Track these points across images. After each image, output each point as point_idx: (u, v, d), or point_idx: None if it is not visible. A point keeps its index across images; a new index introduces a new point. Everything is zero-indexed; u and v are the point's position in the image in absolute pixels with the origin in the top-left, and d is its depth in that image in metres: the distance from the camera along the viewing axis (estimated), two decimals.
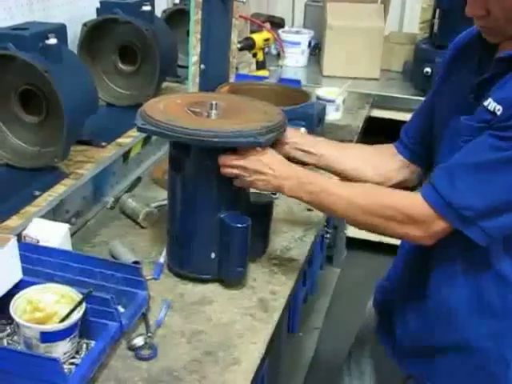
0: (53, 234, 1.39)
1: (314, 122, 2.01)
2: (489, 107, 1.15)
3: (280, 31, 3.35)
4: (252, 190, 1.44)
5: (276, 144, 1.42)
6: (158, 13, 2.45)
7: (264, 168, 1.32)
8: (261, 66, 2.87)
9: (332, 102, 2.45)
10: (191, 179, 1.38)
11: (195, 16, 1.98)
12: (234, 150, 1.32)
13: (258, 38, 2.78)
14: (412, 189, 1.43)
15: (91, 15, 2.03)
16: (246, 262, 1.41)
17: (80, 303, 1.16)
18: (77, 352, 1.18)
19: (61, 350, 1.13)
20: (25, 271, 1.23)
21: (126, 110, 2.08)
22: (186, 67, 2.11)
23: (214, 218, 1.36)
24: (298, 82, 2.64)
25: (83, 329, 1.18)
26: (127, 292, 1.28)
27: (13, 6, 1.80)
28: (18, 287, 1.20)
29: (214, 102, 1.40)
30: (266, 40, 2.82)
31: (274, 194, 1.84)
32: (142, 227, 1.67)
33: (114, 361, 1.19)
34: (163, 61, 2.06)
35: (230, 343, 1.26)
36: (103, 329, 1.18)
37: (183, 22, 2.40)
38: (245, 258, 1.41)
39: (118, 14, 2.00)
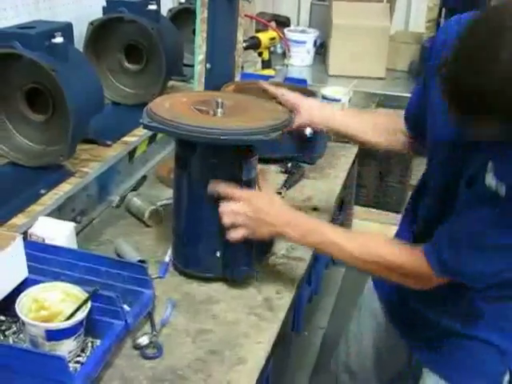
0: (58, 233, 1.40)
1: None
2: (490, 186, 1.10)
3: (286, 30, 3.35)
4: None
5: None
6: (164, 12, 2.44)
7: (266, 216, 1.33)
8: (266, 65, 2.87)
9: (338, 101, 2.44)
10: (197, 177, 1.38)
11: (201, 15, 1.98)
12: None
13: (264, 37, 2.77)
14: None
15: (97, 14, 2.03)
16: (251, 261, 1.41)
17: (85, 302, 1.16)
18: (82, 350, 1.18)
19: (66, 348, 1.13)
20: (30, 269, 1.23)
21: (132, 108, 2.08)
22: (192, 66, 2.10)
23: (219, 217, 1.36)
24: (303, 81, 2.63)
25: (89, 327, 1.18)
26: (133, 291, 1.28)
27: (19, 5, 1.81)
28: (23, 285, 1.20)
29: (219, 101, 1.40)
30: (272, 39, 2.82)
31: (280, 193, 1.84)
32: (148, 226, 1.67)
33: (119, 359, 1.19)
34: (169, 60, 2.06)
35: (235, 342, 1.26)
36: (109, 327, 1.18)
37: (189, 21, 2.40)
38: (250, 256, 1.40)
39: (124, 13, 2.00)
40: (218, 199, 1.34)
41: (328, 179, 2.04)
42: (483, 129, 1.01)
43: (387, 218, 3.28)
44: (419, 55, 3.13)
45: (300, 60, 3.36)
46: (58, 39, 1.54)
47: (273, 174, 2.02)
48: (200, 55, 2.03)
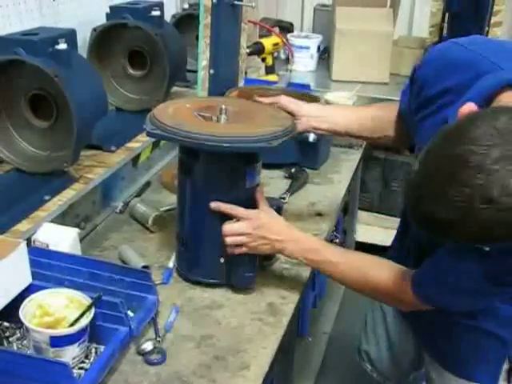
0: (62, 239, 1.40)
1: None
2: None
3: (289, 36, 3.35)
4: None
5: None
6: (168, 17, 2.45)
7: (267, 233, 1.36)
8: (270, 70, 2.87)
9: (341, 105, 2.44)
10: (200, 184, 1.38)
11: (204, 21, 1.98)
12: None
13: (267, 42, 2.78)
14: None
15: (101, 20, 2.03)
16: (255, 267, 1.41)
17: (89, 308, 1.16)
18: (86, 357, 1.18)
19: (70, 354, 1.13)
20: (34, 276, 1.23)
21: (136, 114, 2.09)
22: (195, 72, 2.11)
23: (224, 223, 1.36)
24: (307, 86, 2.64)
25: (92, 333, 1.18)
26: (136, 297, 1.28)
27: (23, 11, 1.81)
28: (27, 291, 1.20)
29: (223, 107, 1.40)
30: (275, 44, 2.82)
31: (283, 198, 1.84)
32: (151, 232, 1.68)
33: (123, 365, 1.19)
34: (172, 65, 2.06)
35: (239, 348, 1.25)
36: (112, 333, 1.18)
37: (192, 27, 2.40)
38: (254, 262, 1.40)
39: (128, 19, 2.00)
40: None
41: (332, 184, 2.04)
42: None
43: (391, 223, 3.27)
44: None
45: (303, 65, 3.36)
46: (62, 45, 1.54)
47: (276, 180, 2.02)
48: (203, 61, 2.03)
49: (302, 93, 2.21)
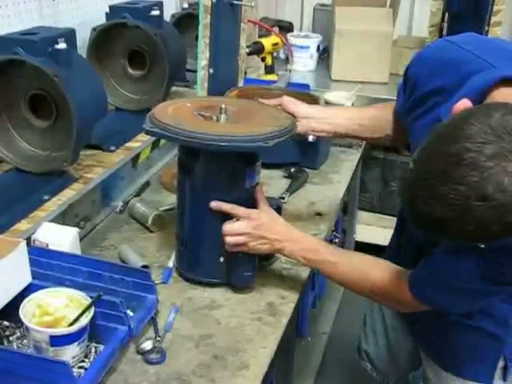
0: (62, 238, 1.40)
1: None
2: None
3: (288, 35, 3.35)
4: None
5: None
6: (167, 17, 2.45)
7: (267, 233, 1.36)
8: (269, 70, 2.87)
9: (341, 105, 2.44)
10: (200, 183, 1.38)
11: (204, 20, 1.98)
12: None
13: (267, 42, 2.78)
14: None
15: (100, 20, 2.03)
16: (254, 267, 1.41)
17: (89, 307, 1.16)
18: (86, 356, 1.18)
19: (70, 353, 1.13)
20: (34, 275, 1.23)
21: (135, 114, 2.09)
22: (195, 71, 2.11)
23: (223, 222, 1.36)
24: (307, 86, 2.64)
25: (92, 333, 1.18)
26: (136, 296, 1.28)
27: (22, 11, 1.81)
28: (27, 291, 1.20)
29: (223, 106, 1.40)
30: (275, 44, 2.82)
31: (283, 198, 1.84)
32: (151, 231, 1.68)
33: (122, 365, 1.19)
34: (172, 65, 2.06)
35: (238, 347, 1.26)
36: (112, 333, 1.18)
37: (192, 27, 2.40)
38: (253, 262, 1.40)
39: (127, 19, 2.00)
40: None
41: (331, 184, 2.04)
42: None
43: (390, 223, 3.26)
44: None
45: (303, 65, 3.36)
46: (61, 45, 1.54)
47: (276, 179, 2.02)
48: (203, 60, 2.03)
49: (302, 92, 2.21)
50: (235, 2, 2.05)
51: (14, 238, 1.29)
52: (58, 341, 1.11)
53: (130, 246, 1.57)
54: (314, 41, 3.37)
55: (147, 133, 1.35)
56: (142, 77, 2.14)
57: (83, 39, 1.98)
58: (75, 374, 1.12)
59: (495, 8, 2.93)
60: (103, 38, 2.02)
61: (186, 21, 2.54)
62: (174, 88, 2.30)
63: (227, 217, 1.36)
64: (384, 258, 1.60)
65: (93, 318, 1.16)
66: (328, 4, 3.62)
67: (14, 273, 1.18)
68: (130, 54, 2.12)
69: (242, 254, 1.37)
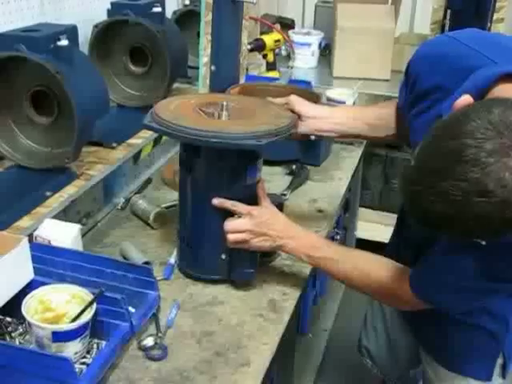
0: (64, 235, 1.40)
1: None
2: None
3: (290, 32, 3.35)
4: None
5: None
6: (169, 14, 2.45)
7: (269, 230, 1.36)
8: (271, 67, 2.87)
9: (343, 103, 2.44)
10: (201, 180, 1.38)
11: (205, 17, 1.98)
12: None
13: (268, 39, 2.77)
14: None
15: (102, 16, 2.03)
16: (256, 264, 1.42)
17: (91, 303, 1.16)
18: (88, 352, 1.18)
19: (72, 349, 1.13)
20: (36, 271, 1.24)
21: (137, 111, 2.08)
22: (197, 68, 2.11)
23: (225, 219, 1.36)
24: (308, 83, 2.64)
25: (94, 329, 1.18)
26: (138, 292, 1.28)
27: (24, 8, 1.81)
28: (29, 287, 1.20)
29: (224, 103, 1.40)
30: (277, 41, 2.82)
31: (284, 195, 1.85)
32: (153, 228, 1.68)
33: (124, 361, 1.20)
34: (173, 62, 2.06)
35: (240, 344, 1.26)
36: (114, 329, 1.18)
37: (193, 24, 2.40)
38: (255, 259, 1.41)
39: (129, 16, 2.00)
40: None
41: (333, 181, 2.04)
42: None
43: (392, 220, 3.26)
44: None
45: (305, 62, 3.36)
46: (63, 42, 1.54)
47: (277, 176, 2.02)
48: (204, 57, 2.04)
49: (303, 89, 2.21)
50: None
51: (16, 234, 1.30)
52: (60, 337, 1.11)
53: (132, 242, 1.57)
54: (315, 38, 3.36)
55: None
56: (143, 73, 2.15)
57: (85, 36, 1.98)
58: (77, 369, 1.12)
59: (498, 5, 2.92)
60: (105, 34, 2.02)
61: (188, 18, 2.54)
62: (175, 85, 2.30)
63: (229, 213, 1.36)
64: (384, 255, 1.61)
65: (95, 315, 1.16)
66: (330, 1, 3.61)
67: (17, 269, 1.18)
68: (131, 51, 2.12)
69: (244, 250, 1.38)
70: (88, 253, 1.41)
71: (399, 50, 3.22)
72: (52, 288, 1.21)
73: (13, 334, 1.22)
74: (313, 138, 1.62)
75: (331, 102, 2.40)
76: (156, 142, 2.00)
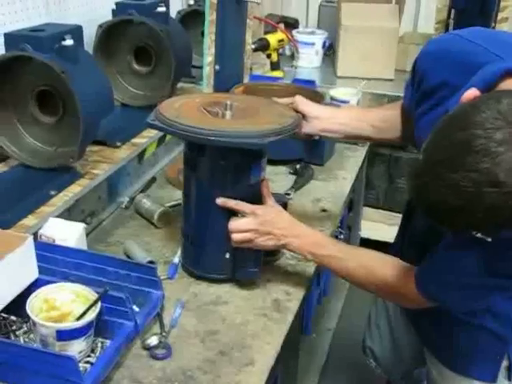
0: (68, 234, 1.40)
1: None
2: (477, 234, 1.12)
3: (294, 32, 3.35)
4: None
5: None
6: (173, 14, 2.45)
7: (273, 228, 1.36)
8: (275, 66, 2.88)
9: (346, 102, 2.44)
10: (205, 179, 1.38)
11: (210, 17, 1.98)
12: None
13: (272, 38, 2.78)
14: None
15: (107, 16, 2.04)
16: (260, 263, 1.42)
17: (95, 302, 1.16)
18: (92, 351, 1.18)
19: (76, 348, 1.13)
20: (41, 270, 1.24)
21: (141, 110, 2.09)
22: (201, 68, 2.11)
23: (230, 218, 1.37)
24: (312, 82, 2.64)
25: (98, 328, 1.18)
26: (142, 291, 1.29)
27: (30, 8, 1.82)
28: (34, 286, 1.21)
29: (228, 103, 1.41)
30: (280, 41, 2.82)
31: (288, 194, 1.85)
32: (157, 227, 1.68)
33: (128, 360, 1.20)
34: (178, 61, 2.06)
35: (244, 343, 1.26)
36: (118, 328, 1.19)
37: (197, 23, 2.41)
38: (259, 258, 1.41)
39: (133, 15, 2.01)
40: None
41: (337, 180, 2.04)
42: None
43: (396, 220, 3.26)
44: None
45: (308, 61, 3.36)
46: (68, 42, 1.54)
47: (282, 176, 2.03)
48: (209, 57, 2.03)
49: (307, 89, 2.21)
50: None
51: (20, 233, 1.30)
52: (64, 335, 1.11)
53: (136, 241, 1.58)
54: (319, 37, 3.36)
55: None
56: (147, 73, 2.15)
57: (90, 36, 1.98)
58: (81, 368, 1.12)
59: (502, 4, 2.91)
60: (109, 34, 2.02)
61: (192, 17, 2.55)
62: (179, 84, 2.30)
63: (233, 213, 1.36)
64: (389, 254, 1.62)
65: (99, 314, 1.16)
66: (334, 0, 3.61)
67: (21, 268, 1.19)
68: (136, 51, 2.12)
69: (248, 250, 1.38)
70: (92, 252, 1.41)
71: (403, 49, 3.22)
72: (56, 287, 1.21)
73: (17, 333, 1.22)
74: (317, 137, 1.62)
75: (335, 101, 2.40)
76: (160, 141, 2.00)
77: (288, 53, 3.49)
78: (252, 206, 1.36)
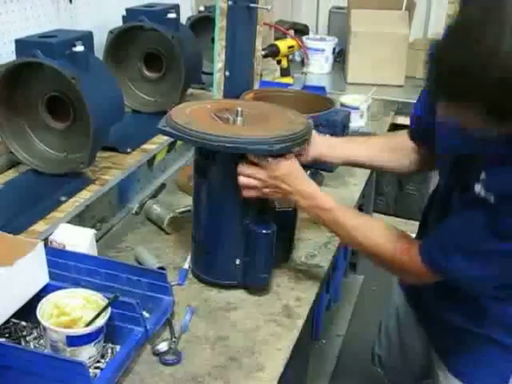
0: (79, 239, 1.41)
1: (339, 129, 2.01)
2: (480, 194, 1.12)
3: (304, 38, 3.36)
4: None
5: (302, 153, 1.46)
6: (183, 20, 2.46)
7: (282, 183, 1.33)
8: (285, 73, 2.88)
9: (356, 109, 2.44)
10: (216, 185, 1.38)
11: (220, 23, 1.99)
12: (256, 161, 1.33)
13: (283, 45, 2.78)
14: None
15: (117, 23, 2.05)
16: (270, 269, 1.42)
17: (106, 308, 1.16)
18: (102, 356, 1.18)
19: (86, 353, 1.13)
20: (51, 276, 1.24)
21: (151, 116, 2.10)
22: (211, 74, 2.12)
23: (239, 224, 1.37)
24: (322, 88, 2.64)
25: (109, 333, 1.18)
26: (152, 297, 1.29)
27: (41, 15, 1.83)
28: (44, 291, 1.21)
29: (239, 109, 1.40)
30: (291, 47, 2.83)
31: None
32: (167, 233, 1.68)
33: (138, 366, 1.20)
34: (188, 68, 2.07)
35: (254, 349, 1.26)
36: (128, 334, 1.19)
37: (208, 29, 2.42)
38: (270, 264, 1.41)
39: (144, 22, 2.02)
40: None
41: (347, 187, 2.03)
42: (468, 118, 0.99)
43: (406, 226, 3.26)
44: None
45: (319, 68, 3.37)
46: (79, 48, 1.55)
47: None
48: (219, 63, 2.04)
49: (317, 95, 2.21)
50: (251, 5, 2.05)
51: (31, 238, 1.30)
52: (74, 341, 1.12)
53: (146, 247, 1.58)
54: (329, 43, 3.37)
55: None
56: (158, 79, 2.16)
57: (100, 42, 2.00)
58: (91, 374, 1.12)
59: None
60: (120, 40, 2.03)
61: (202, 24, 2.56)
62: (189, 90, 2.31)
63: (243, 218, 1.36)
64: None
65: (109, 319, 1.16)
66: (344, 6, 3.62)
67: (32, 273, 1.19)
68: (146, 57, 2.13)
69: (259, 256, 1.37)
70: (102, 257, 1.42)
71: (413, 55, 3.22)
72: (67, 292, 1.21)
73: (27, 338, 1.23)
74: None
75: (345, 107, 2.40)
76: (170, 147, 2.01)
77: (298, 59, 3.50)
78: (266, 160, 1.33)
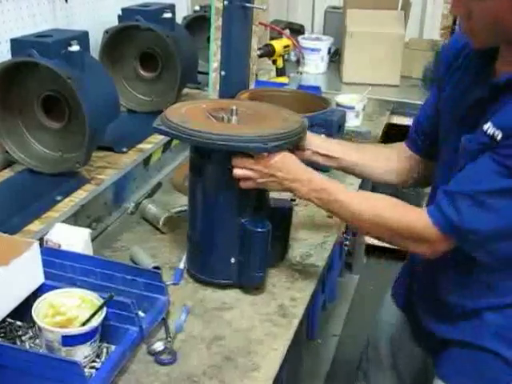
0: (74, 239, 1.40)
1: (334, 129, 2.01)
2: (488, 131, 1.13)
3: (300, 38, 3.36)
4: (271, 194, 1.45)
5: (297, 150, 1.44)
6: (179, 20, 2.46)
7: (278, 172, 1.32)
8: (280, 72, 2.88)
9: (352, 108, 2.44)
10: (212, 184, 1.38)
11: (216, 23, 1.99)
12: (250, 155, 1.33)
13: (278, 44, 2.78)
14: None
15: (113, 22, 2.05)
16: (265, 267, 1.42)
17: (101, 308, 1.16)
18: (97, 356, 1.18)
19: (81, 353, 1.13)
20: (47, 275, 1.24)
21: (147, 116, 2.10)
22: (207, 73, 2.12)
23: (235, 223, 1.37)
24: (317, 88, 2.64)
25: (104, 333, 1.18)
26: (148, 297, 1.29)
27: (37, 14, 1.83)
28: (40, 291, 1.21)
29: (234, 108, 1.41)
30: (286, 47, 2.83)
31: (294, 200, 1.84)
32: (163, 232, 1.68)
33: (134, 365, 1.20)
34: (184, 67, 2.07)
35: (249, 349, 1.26)
36: (124, 333, 1.19)
37: (203, 29, 2.42)
38: (265, 262, 1.41)
39: (140, 21, 2.02)
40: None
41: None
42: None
43: None
44: (434, 62, 3.12)
45: (314, 67, 3.37)
46: (75, 47, 1.55)
47: None
48: (214, 63, 2.04)
49: (312, 95, 2.21)
50: (247, 4, 2.06)
51: (26, 238, 1.30)
52: (70, 341, 1.11)
53: (142, 247, 1.58)
54: (325, 43, 3.37)
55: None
56: (153, 79, 2.16)
57: (96, 41, 1.99)
58: (87, 373, 1.12)
59: None
60: (116, 40, 2.03)
61: (198, 23, 2.56)
62: (185, 90, 2.31)
63: (239, 218, 1.36)
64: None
65: (105, 319, 1.16)
66: (339, 6, 3.62)
67: (27, 273, 1.19)
68: (142, 56, 2.13)
69: (254, 254, 1.38)
70: (98, 257, 1.41)
71: (409, 55, 3.22)
72: (62, 292, 1.21)
73: (23, 338, 1.22)
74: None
75: (340, 107, 2.40)
76: (166, 146, 2.01)
77: (293, 59, 3.50)
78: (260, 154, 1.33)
